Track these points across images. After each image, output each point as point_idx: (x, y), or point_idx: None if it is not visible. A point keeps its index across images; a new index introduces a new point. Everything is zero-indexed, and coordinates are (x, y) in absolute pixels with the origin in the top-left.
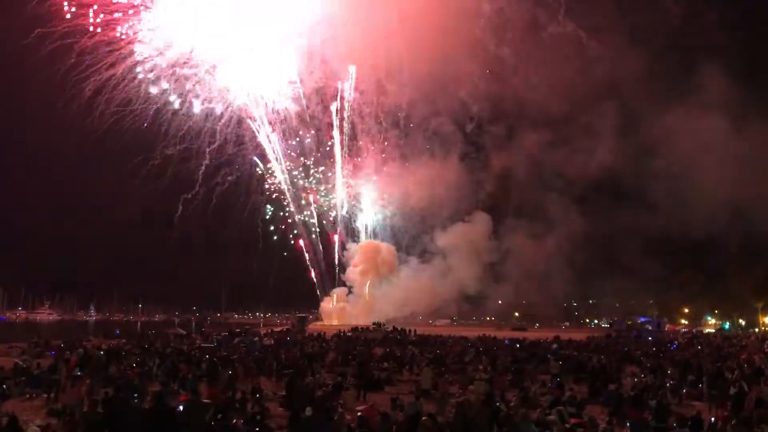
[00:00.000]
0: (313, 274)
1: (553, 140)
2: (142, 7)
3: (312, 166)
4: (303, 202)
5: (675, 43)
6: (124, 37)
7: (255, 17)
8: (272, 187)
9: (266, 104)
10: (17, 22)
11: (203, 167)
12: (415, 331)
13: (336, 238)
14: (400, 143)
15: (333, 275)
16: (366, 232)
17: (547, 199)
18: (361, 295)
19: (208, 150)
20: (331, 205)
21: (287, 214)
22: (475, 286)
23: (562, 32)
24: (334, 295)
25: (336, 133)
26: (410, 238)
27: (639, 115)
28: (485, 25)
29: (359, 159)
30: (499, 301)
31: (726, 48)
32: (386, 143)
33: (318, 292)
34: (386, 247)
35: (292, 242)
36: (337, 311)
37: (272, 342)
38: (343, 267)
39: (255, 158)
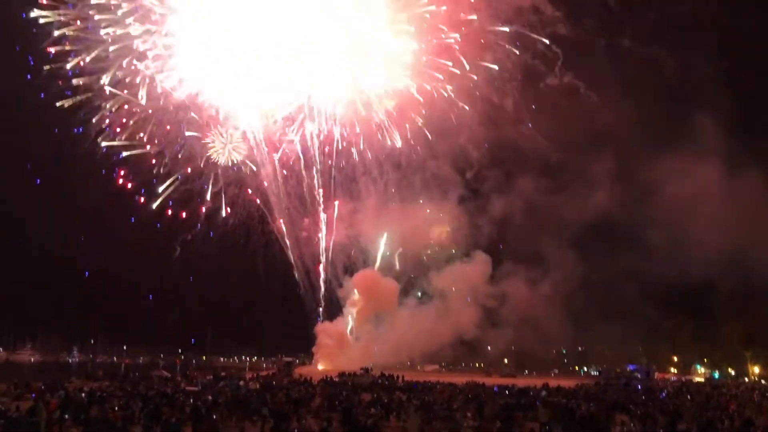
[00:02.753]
0: (308, 313)
1: (551, 186)
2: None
3: (311, 206)
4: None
5: (669, 92)
6: (128, 78)
7: (255, 58)
8: (272, 228)
9: (266, 147)
10: (27, 59)
11: (204, 208)
12: (403, 377)
13: (321, 272)
14: (399, 185)
15: (329, 312)
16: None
17: (543, 243)
18: (360, 335)
19: (209, 191)
20: (328, 244)
21: (287, 255)
22: (473, 331)
23: (559, 83)
24: (326, 334)
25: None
26: (408, 279)
27: (635, 162)
28: (486, 75)
29: (355, 201)
30: (488, 347)
31: (720, 97)
32: (386, 184)
33: (314, 332)
34: (386, 281)
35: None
36: (333, 352)
37: (257, 386)
38: (338, 305)
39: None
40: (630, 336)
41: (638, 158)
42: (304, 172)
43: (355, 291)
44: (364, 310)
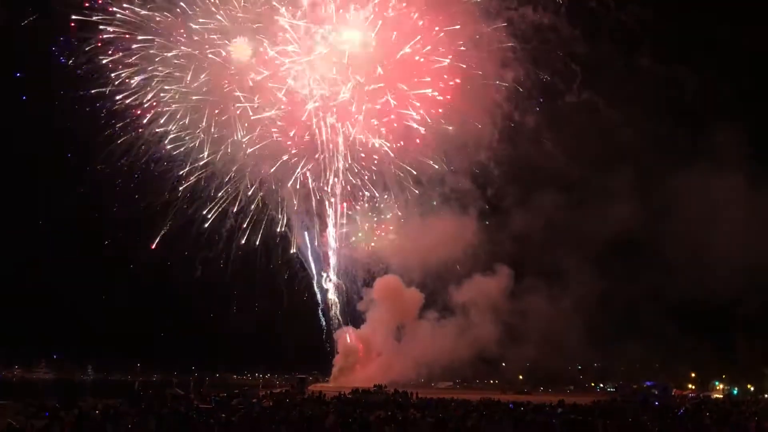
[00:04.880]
0: (325, 328)
1: (572, 202)
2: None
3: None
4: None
5: (690, 107)
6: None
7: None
8: (293, 246)
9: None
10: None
11: (226, 228)
12: (417, 393)
13: (341, 285)
14: (418, 200)
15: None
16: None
17: (563, 259)
18: (381, 350)
19: (232, 210)
20: (347, 257)
21: (308, 274)
22: (493, 348)
23: (578, 100)
24: (347, 340)
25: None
26: (428, 294)
27: (655, 178)
28: (505, 92)
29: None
30: (503, 364)
31: (741, 112)
32: (405, 200)
33: (333, 343)
34: (410, 291)
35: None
36: (356, 361)
37: (271, 404)
38: (358, 319)
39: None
40: (648, 353)
41: (659, 174)
42: (324, 186)
43: (377, 302)
44: (385, 320)
